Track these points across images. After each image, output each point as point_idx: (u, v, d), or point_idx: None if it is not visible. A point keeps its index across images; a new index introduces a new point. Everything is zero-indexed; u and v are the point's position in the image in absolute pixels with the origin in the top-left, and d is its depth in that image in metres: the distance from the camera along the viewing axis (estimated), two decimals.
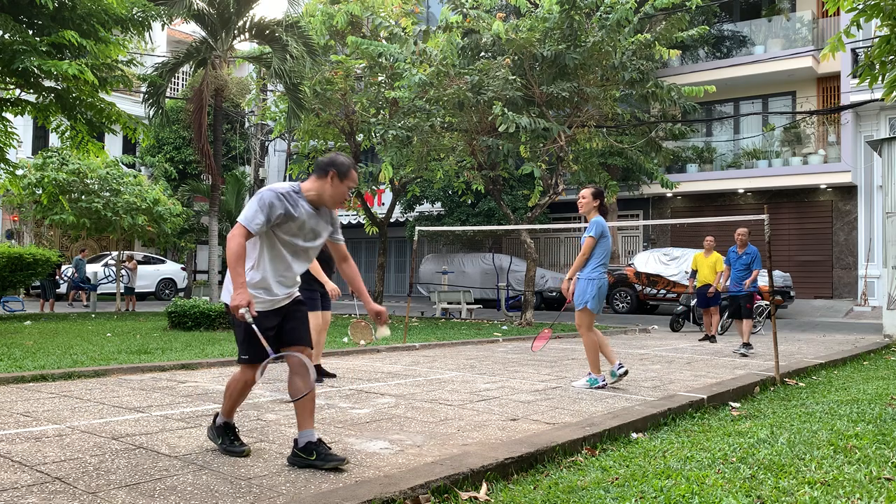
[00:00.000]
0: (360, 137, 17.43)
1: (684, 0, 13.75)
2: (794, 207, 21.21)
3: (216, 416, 3.87)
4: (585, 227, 6.31)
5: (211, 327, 11.27)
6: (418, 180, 18.43)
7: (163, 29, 19.82)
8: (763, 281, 16.59)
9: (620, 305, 19.94)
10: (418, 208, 25.35)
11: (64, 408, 4.93)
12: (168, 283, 23.97)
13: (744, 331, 9.78)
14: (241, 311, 3.35)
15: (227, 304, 3.53)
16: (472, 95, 13.28)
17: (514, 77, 13.20)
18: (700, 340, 11.50)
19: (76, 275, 19.34)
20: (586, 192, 6.29)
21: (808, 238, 21.08)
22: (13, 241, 23.49)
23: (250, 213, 3.49)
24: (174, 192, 24.68)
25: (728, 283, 10.39)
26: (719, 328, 12.98)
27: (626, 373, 6.24)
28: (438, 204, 24.93)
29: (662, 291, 19.03)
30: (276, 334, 3.66)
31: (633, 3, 12.73)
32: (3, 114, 11.11)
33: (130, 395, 5.48)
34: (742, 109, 22.45)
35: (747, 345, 9.56)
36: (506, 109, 12.48)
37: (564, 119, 14.60)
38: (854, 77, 16.03)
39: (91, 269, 20.41)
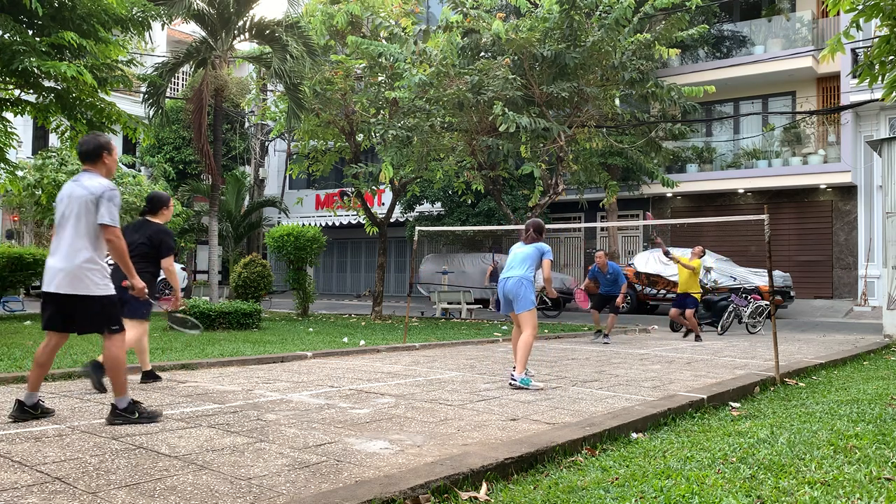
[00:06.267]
0: (360, 137, 17.42)
1: (684, 0, 13.75)
2: (794, 207, 21.20)
3: (113, 405, 4.44)
4: (535, 242, 6.64)
5: (211, 327, 11.27)
6: (418, 180, 18.42)
7: (163, 29, 19.84)
8: (763, 280, 16.62)
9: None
10: (418, 208, 25.33)
11: (64, 408, 4.94)
12: (168, 283, 23.90)
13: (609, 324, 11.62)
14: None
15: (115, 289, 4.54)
16: (472, 95, 13.27)
17: (514, 77, 13.19)
18: (684, 337, 12.05)
19: None
20: (532, 229, 6.69)
21: (808, 238, 21.07)
22: (13, 241, 23.49)
23: (116, 215, 4.42)
24: (174, 192, 24.67)
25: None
26: (719, 328, 13.04)
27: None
28: (438, 204, 24.91)
29: (662, 291, 19.03)
30: None
31: (632, 3, 12.73)
32: (3, 114, 11.10)
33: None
34: (742, 109, 22.45)
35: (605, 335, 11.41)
36: (506, 109, 12.48)
37: (564, 119, 14.60)
38: (854, 77, 16.03)
39: None
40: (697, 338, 11.80)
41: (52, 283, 4.33)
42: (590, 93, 13.77)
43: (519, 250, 6.70)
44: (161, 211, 6.02)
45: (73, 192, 4.40)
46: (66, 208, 4.39)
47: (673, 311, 12.34)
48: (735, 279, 16.99)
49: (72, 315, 4.39)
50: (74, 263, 4.29)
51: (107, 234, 4.38)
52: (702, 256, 12.15)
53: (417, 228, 11.45)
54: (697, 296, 12.03)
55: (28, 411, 4.46)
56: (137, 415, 4.41)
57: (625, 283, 11.67)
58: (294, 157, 21.81)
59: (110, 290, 4.43)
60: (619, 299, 11.52)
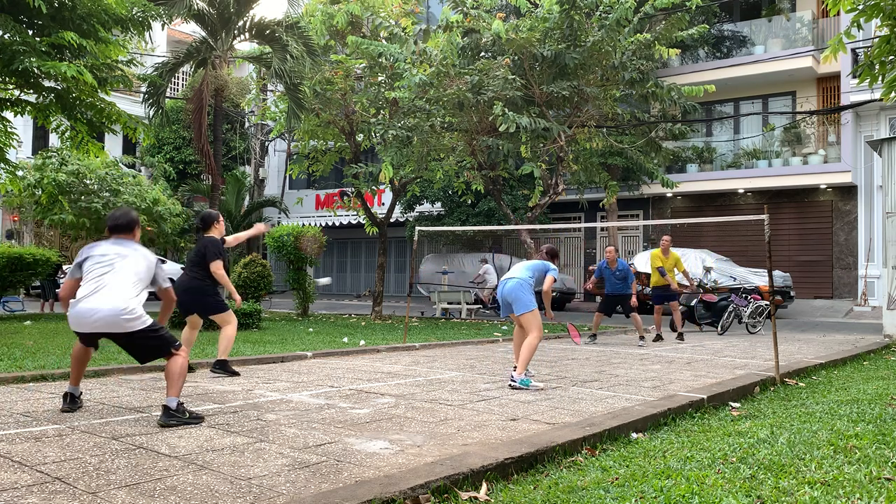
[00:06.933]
0: (360, 137, 17.42)
1: (684, 0, 13.75)
2: (794, 207, 21.20)
3: (165, 405, 4.42)
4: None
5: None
6: (418, 180, 18.42)
7: (163, 29, 19.84)
8: (763, 280, 16.63)
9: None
10: (418, 208, 25.33)
11: None
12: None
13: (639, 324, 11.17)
14: None
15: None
16: (472, 95, 13.27)
17: (513, 77, 13.19)
18: (653, 341, 11.46)
19: None
20: (545, 251, 6.98)
21: (808, 238, 21.07)
22: (13, 241, 23.49)
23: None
24: (174, 192, 24.67)
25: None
26: (719, 328, 13.04)
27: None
28: (438, 204, 24.92)
29: None
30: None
31: (633, 3, 12.73)
32: (3, 114, 11.10)
33: (130, 395, 5.48)
34: (742, 109, 22.45)
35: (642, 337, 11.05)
36: (506, 109, 12.47)
37: (564, 119, 14.60)
38: (854, 77, 16.02)
39: None
40: (679, 336, 11.65)
41: (92, 324, 4.49)
42: (590, 93, 13.77)
43: (526, 261, 6.97)
44: (213, 226, 6.62)
45: (123, 251, 4.69)
46: (114, 259, 4.62)
47: (657, 307, 11.85)
48: (735, 279, 16.99)
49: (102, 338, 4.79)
50: (118, 307, 4.44)
51: (171, 295, 5.06)
52: (668, 247, 11.67)
53: (417, 228, 11.45)
54: (674, 283, 11.64)
55: (76, 401, 4.84)
56: (188, 415, 4.47)
57: (634, 282, 11.20)
58: (294, 157, 21.81)
59: (148, 320, 4.57)
60: (633, 300, 11.04)
